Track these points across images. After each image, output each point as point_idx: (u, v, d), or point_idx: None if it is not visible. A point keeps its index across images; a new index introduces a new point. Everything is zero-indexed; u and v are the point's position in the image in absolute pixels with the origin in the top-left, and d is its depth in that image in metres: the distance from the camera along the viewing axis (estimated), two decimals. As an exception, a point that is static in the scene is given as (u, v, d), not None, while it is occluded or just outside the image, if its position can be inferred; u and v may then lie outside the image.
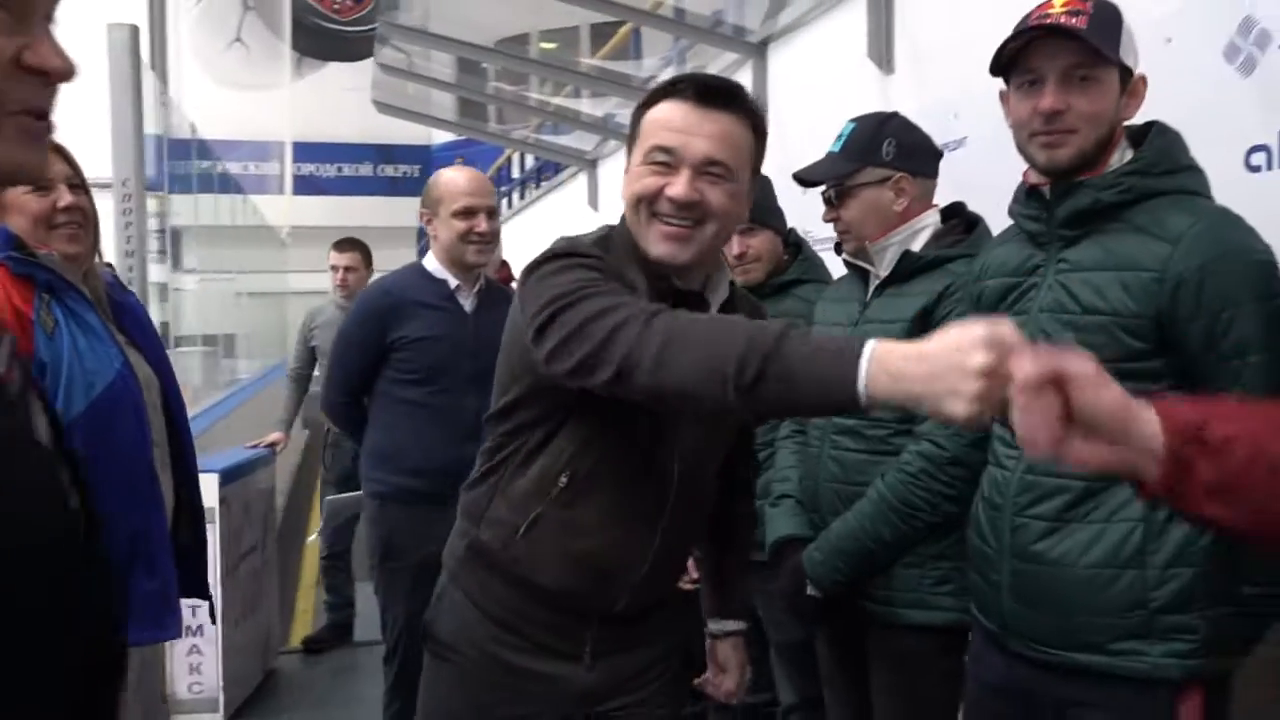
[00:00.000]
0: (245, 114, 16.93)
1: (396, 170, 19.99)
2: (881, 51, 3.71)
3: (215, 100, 15.74)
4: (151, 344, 2.27)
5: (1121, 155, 1.64)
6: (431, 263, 2.99)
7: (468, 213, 2.87)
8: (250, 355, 11.82)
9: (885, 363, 1.09)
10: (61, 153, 2.03)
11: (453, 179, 2.96)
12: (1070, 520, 1.58)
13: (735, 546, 1.88)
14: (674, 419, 1.59)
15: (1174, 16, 2.41)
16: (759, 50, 4.71)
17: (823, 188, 2.21)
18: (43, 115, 0.78)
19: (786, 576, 2.16)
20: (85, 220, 2.09)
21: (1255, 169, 2.21)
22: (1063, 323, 1.59)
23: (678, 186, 1.49)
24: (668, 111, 1.53)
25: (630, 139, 1.60)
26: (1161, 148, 1.62)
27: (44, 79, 0.77)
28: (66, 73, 0.78)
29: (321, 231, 16.72)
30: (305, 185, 18.18)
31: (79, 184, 2.08)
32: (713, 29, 5.27)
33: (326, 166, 19.21)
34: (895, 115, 2.25)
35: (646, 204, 1.53)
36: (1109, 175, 1.60)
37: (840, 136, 2.23)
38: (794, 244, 2.65)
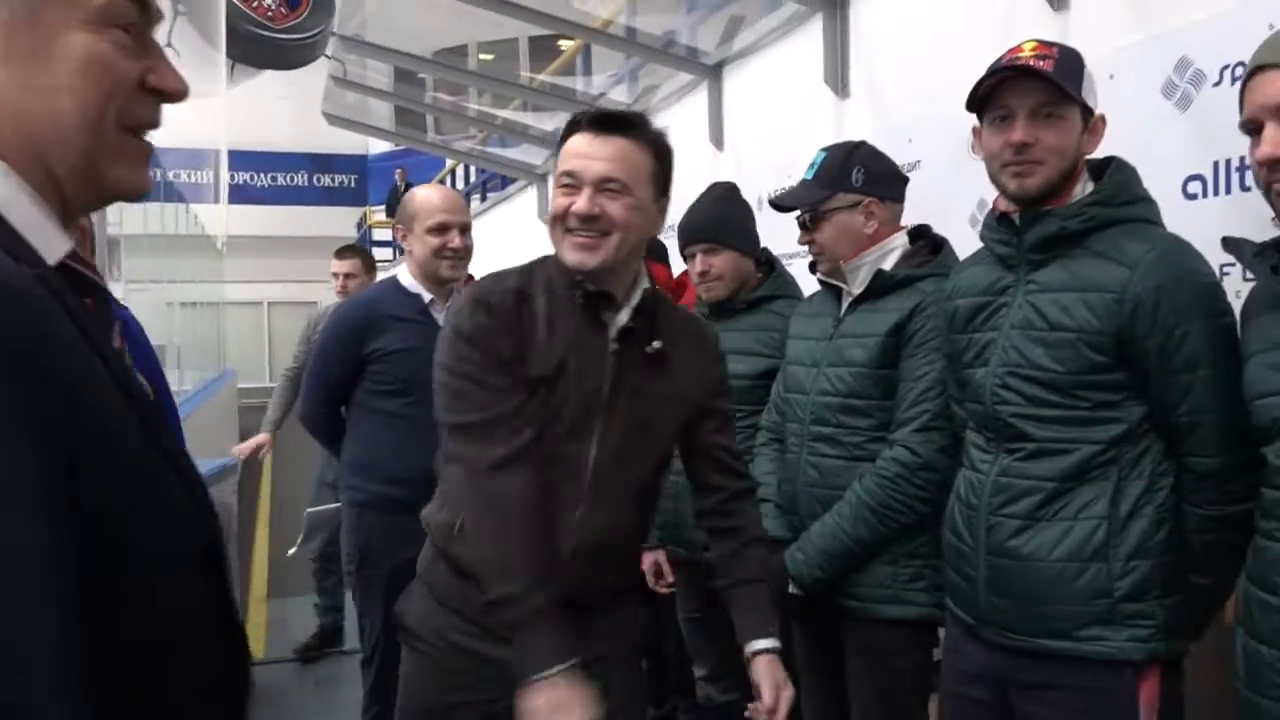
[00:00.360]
0: (179, 120, 16.63)
1: (333, 180, 19.82)
2: (837, 77, 3.87)
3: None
4: (146, 356, 2.32)
5: (1084, 187, 1.81)
6: (406, 277, 3.07)
7: (441, 229, 2.96)
8: (188, 366, 11.64)
9: (551, 689, 1.54)
10: None
11: (427, 196, 3.05)
12: (1040, 519, 1.73)
13: (746, 571, 1.91)
14: (595, 418, 1.75)
15: (1116, 54, 2.61)
16: (714, 72, 4.84)
17: (797, 213, 2.35)
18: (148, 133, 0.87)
19: (769, 576, 2.29)
20: (84, 238, 2.14)
21: (1192, 197, 2.39)
22: (1032, 338, 1.75)
23: (580, 203, 1.71)
24: (572, 142, 1.75)
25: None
26: (1120, 181, 1.79)
27: (162, 98, 0.86)
28: (183, 93, 0.86)
29: (258, 241, 16.50)
30: (240, 194, 17.92)
31: None
32: (665, 49, 5.38)
33: (261, 175, 18.99)
34: (863, 144, 2.40)
35: (560, 221, 1.74)
36: (1073, 205, 1.76)
37: (812, 165, 2.37)
38: (766, 262, 2.78)
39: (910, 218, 2.93)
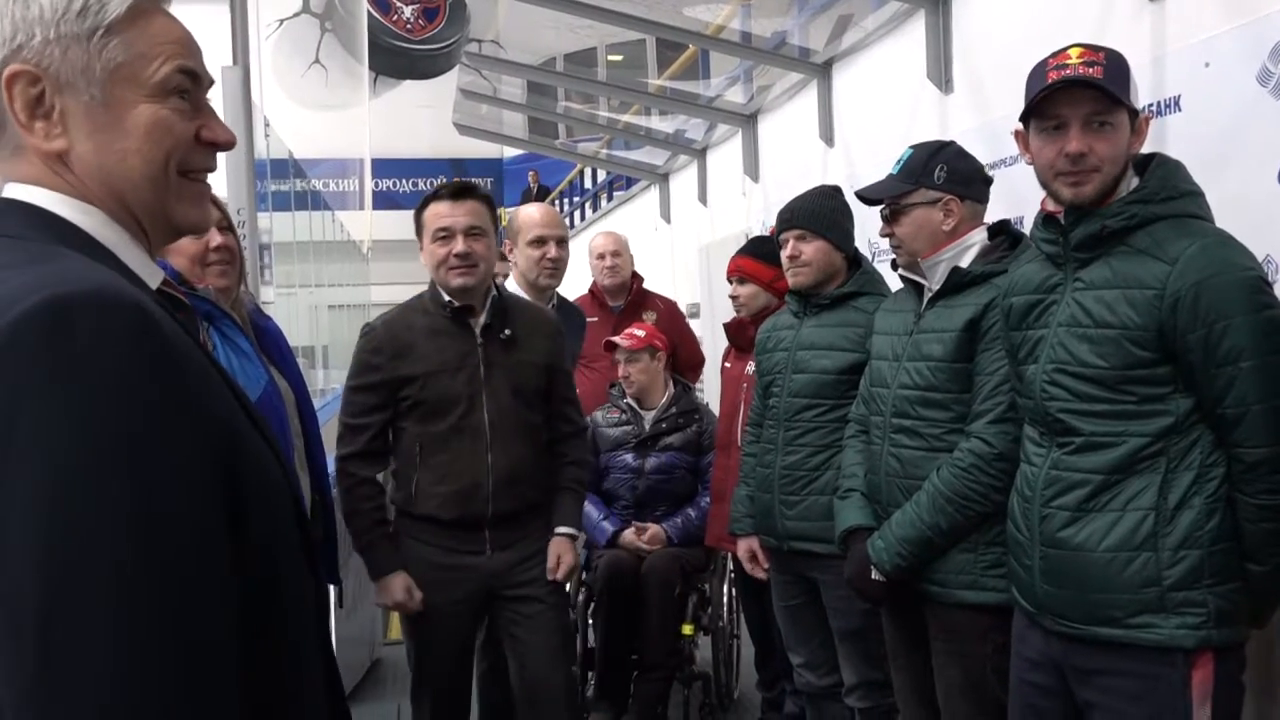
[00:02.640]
0: (325, 132, 17.47)
1: (470, 183, 20.52)
2: (940, 73, 3.90)
3: (296, 120, 16.32)
4: (288, 362, 2.57)
5: (1128, 184, 1.85)
6: (511, 285, 3.35)
7: (540, 241, 3.23)
8: (336, 365, 12.27)
9: (386, 584, 2.61)
10: (214, 200, 2.35)
11: (529, 214, 3.37)
12: (1090, 510, 1.79)
13: (563, 481, 2.76)
14: (480, 390, 2.60)
15: (1211, 42, 2.60)
16: (824, 70, 4.91)
17: (881, 205, 2.44)
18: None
19: (854, 562, 2.40)
20: (232, 257, 2.40)
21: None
22: (1078, 335, 1.81)
23: (458, 246, 2.57)
24: (438, 208, 2.61)
25: (418, 231, 2.65)
26: (1162, 177, 1.82)
27: (214, 148, 1.05)
28: (232, 143, 1.06)
29: (401, 245, 17.18)
30: (383, 200, 18.73)
31: (227, 226, 2.39)
32: (776, 50, 5.47)
33: (403, 182, 19.79)
34: (950, 144, 2.47)
35: (443, 262, 2.59)
36: (1116, 204, 1.81)
37: (900, 160, 2.46)
38: (854, 259, 2.87)
39: (1012, 210, 2.98)
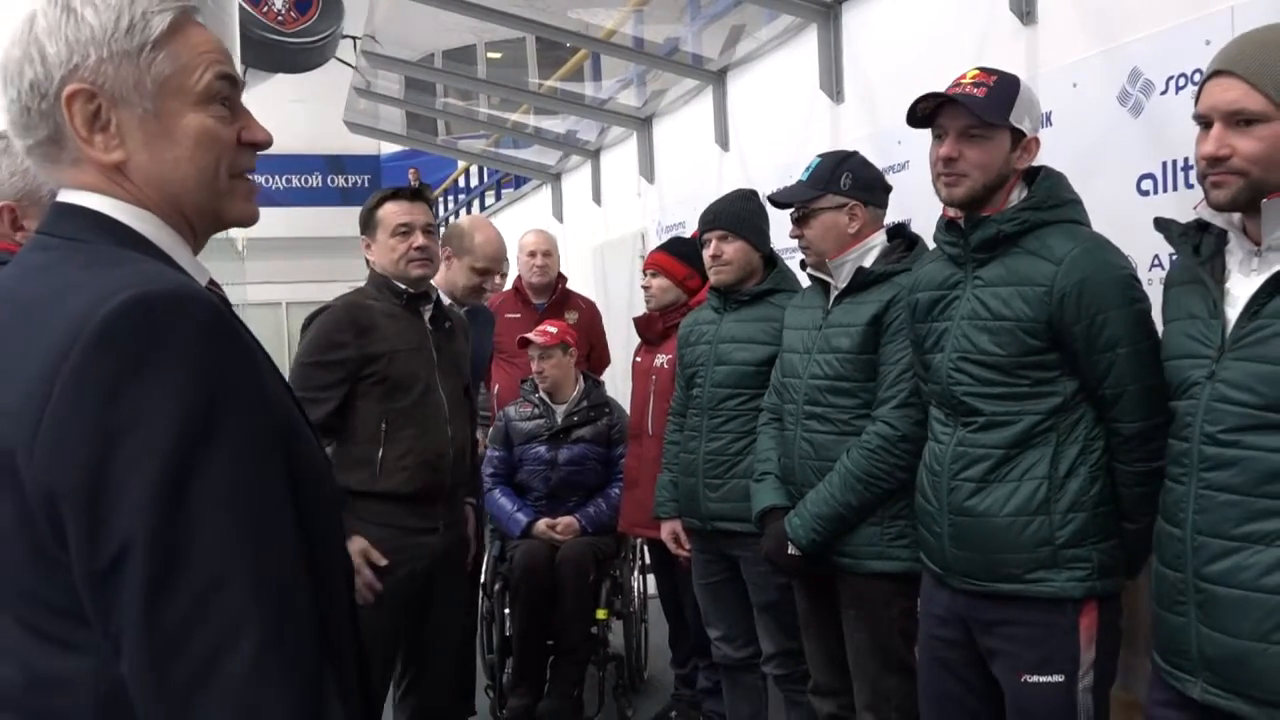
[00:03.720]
0: (196, 127, 16.89)
1: (347, 180, 20.14)
2: (832, 84, 4.13)
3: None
4: None
5: (1019, 194, 2.10)
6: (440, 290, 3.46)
7: (485, 272, 3.37)
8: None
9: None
10: None
11: (487, 241, 3.37)
12: (992, 480, 2.03)
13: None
14: (434, 370, 2.81)
15: (1078, 65, 2.88)
16: (718, 78, 5.11)
17: (790, 209, 2.64)
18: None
19: (771, 539, 2.60)
20: None
21: (1144, 192, 2.67)
22: (978, 327, 2.04)
23: (418, 240, 2.83)
24: (397, 206, 2.86)
25: (367, 226, 2.88)
26: (1048, 188, 2.08)
27: (255, 148, 1.14)
28: (270, 141, 1.15)
29: (278, 243, 16.77)
30: (258, 198, 18.26)
31: None
32: (669, 56, 5.63)
33: (277, 178, 19.30)
34: (855, 154, 2.69)
35: (403, 255, 2.82)
36: (1008, 211, 2.06)
37: (808, 168, 2.66)
38: (770, 259, 3.07)
39: (900, 215, 3.22)
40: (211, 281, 1.13)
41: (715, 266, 2.97)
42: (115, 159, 1.05)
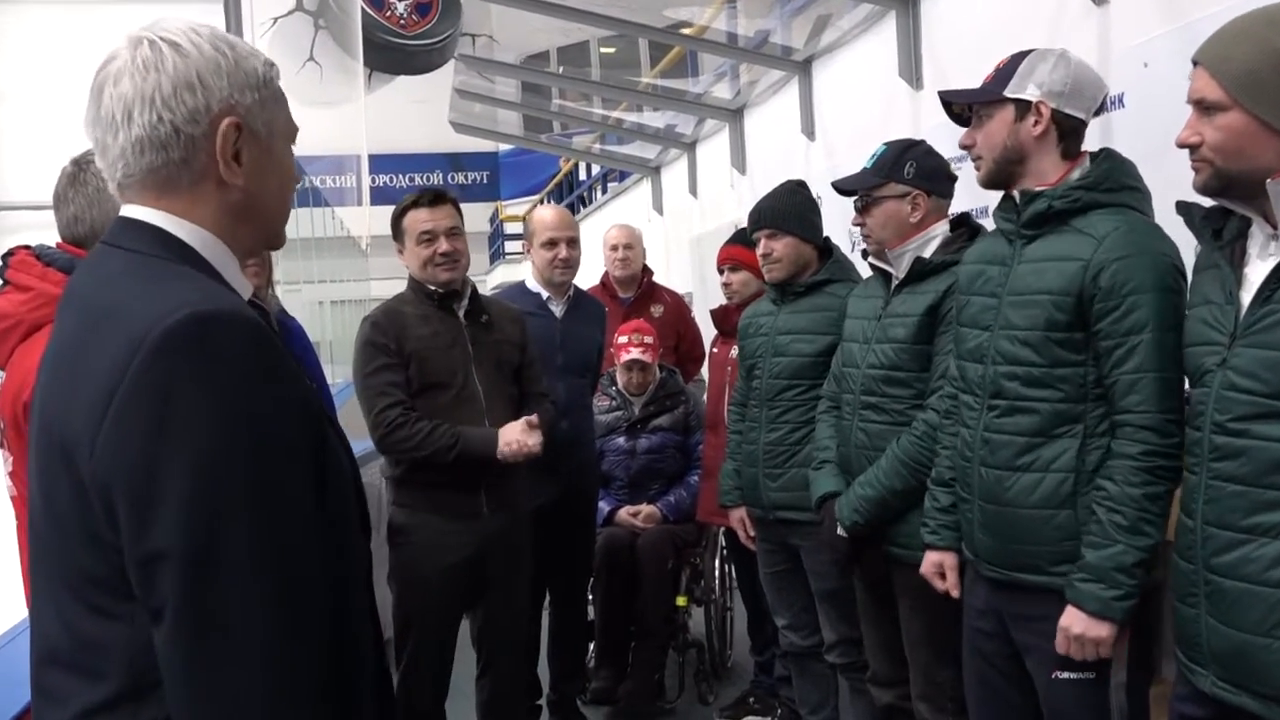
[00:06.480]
0: (322, 129, 17.60)
1: (466, 178, 20.70)
2: (911, 71, 4.11)
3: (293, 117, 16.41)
4: (311, 360, 2.79)
5: (1079, 173, 2.03)
6: (530, 281, 3.66)
7: (551, 244, 3.51)
8: (339, 361, 12.44)
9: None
10: None
11: (542, 217, 3.67)
12: (1018, 468, 1.99)
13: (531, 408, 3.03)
14: (471, 365, 2.92)
15: (1149, 44, 2.81)
16: (804, 68, 5.12)
17: (855, 197, 2.65)
18: None
19: (827, 524, 2.62)
20: (262, 260, 2.60)
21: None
22: (1018, 301, 2.01)
23: (442, 245, 2.91)
24: (418, 213, 2.93)
25: (396, 234, 2.98)
26: (1107, 170, 2.01)
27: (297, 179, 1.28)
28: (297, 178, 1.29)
29: (400, 240, 17.42)
30: (380, 196, 18.88)
31: None
32: (758, 48, 5.65)
33: (400, 177, 19.96)
34: (920, 142, 2.68)
35: (430, 260, 2.91)
36: (1061, 187, 2.01)
37: (873, 155, 2.67)
38: (826, 249, 3.08)
39: (974, 203, 3.18)
40: (254, 296, 1.26)
41: (767, 264, 3.00)
42: (240, 185, 1.17)
